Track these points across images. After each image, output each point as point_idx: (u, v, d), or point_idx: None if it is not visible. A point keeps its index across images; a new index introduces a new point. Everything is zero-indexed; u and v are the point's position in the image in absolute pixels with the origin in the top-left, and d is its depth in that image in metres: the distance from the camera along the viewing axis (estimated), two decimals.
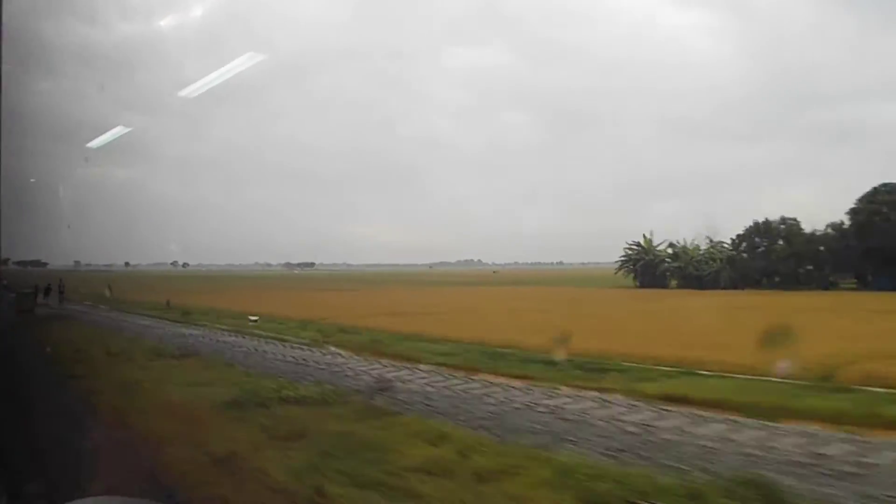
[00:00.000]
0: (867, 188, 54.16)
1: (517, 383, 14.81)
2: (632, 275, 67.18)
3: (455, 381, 14.83)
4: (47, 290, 38.55)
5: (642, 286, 64.16)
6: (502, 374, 16.14)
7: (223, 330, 26.55)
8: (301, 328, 27.39)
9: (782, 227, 60.10)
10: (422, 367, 17.06)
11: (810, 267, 58.04)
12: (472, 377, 15.48)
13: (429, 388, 14.12)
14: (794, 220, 59.92)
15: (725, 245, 63.25)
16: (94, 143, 26.09)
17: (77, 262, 67.37)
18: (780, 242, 59.17)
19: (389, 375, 15.41)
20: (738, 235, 62.00)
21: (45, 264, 71.24)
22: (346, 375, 15.33)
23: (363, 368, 16.63)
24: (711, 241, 64.41)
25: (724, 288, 57.98)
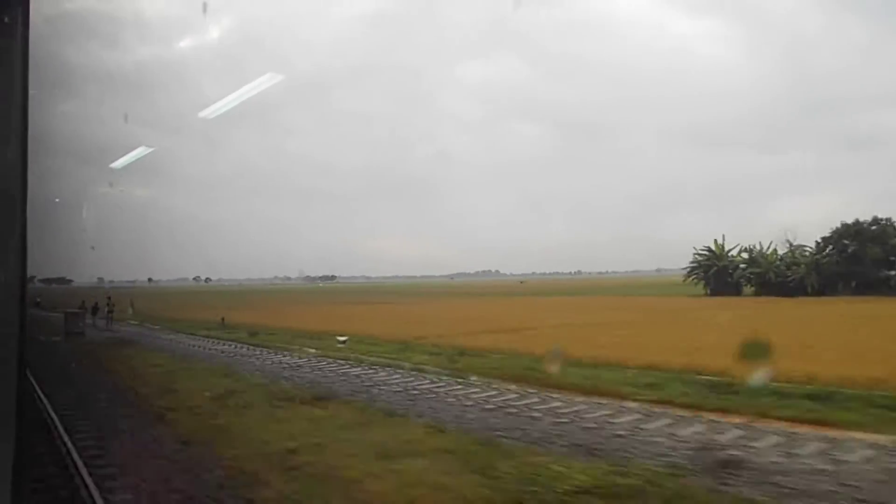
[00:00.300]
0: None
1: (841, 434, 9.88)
2: (702, 282, 62.19)
3: (821, 443, 9.64)
4: (94, 309, 34.21)
5: (714, 294, 58.99)
6: (783, 419, 11.28)
7: (321, 356, 21.85)
8: (405, 350, 22.78)
9: (874, 227, 54.89)
10: (654, 408, 12.28)
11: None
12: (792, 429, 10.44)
13: (814, 463, 8.67)
14: (889, 220, 54.87)
15: (808, 249, 58.17)
16: (117, 163, 25.60)
17: (100, 279, 66.69)
18: (869, 245, 54.13)
19: (684, 432, 10.41)
20: (824, 238, 56.97)
21: (69, 281, 69.68)
22: (616, 435, 10.35)
23: (619, 419, 11.66)
24: (791, 244, 59.34)
25: (811, 294, 52.85)
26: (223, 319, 37.58)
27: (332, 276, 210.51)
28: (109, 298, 35.36)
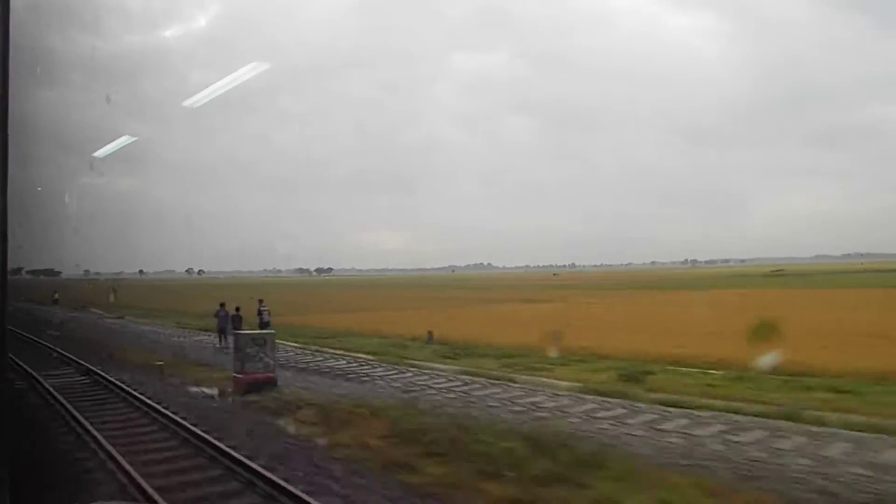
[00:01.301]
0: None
1: None
2: None
3: None
4: (235, 319, 18.21)
5: None
6: None
7: None
8: None
9: None
10: None
11: None
12: None
13: None
14: None
15: None
16: (100, 152, 22.58)
17: (86, 271, 61.45)
18: None
19: None
20: None
21: (58, 273, 61.64)
22: None
23: None
24: None
25: None
26: (431, 333, 21.98)
27: (329, 268, 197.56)
28: (262, 302, 19.06)
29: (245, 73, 16.94)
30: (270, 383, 13.21)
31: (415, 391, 13.34)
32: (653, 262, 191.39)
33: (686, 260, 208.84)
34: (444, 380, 14.65)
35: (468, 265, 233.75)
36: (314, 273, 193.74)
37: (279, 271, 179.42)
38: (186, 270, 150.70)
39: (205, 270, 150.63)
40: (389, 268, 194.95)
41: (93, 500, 7.53)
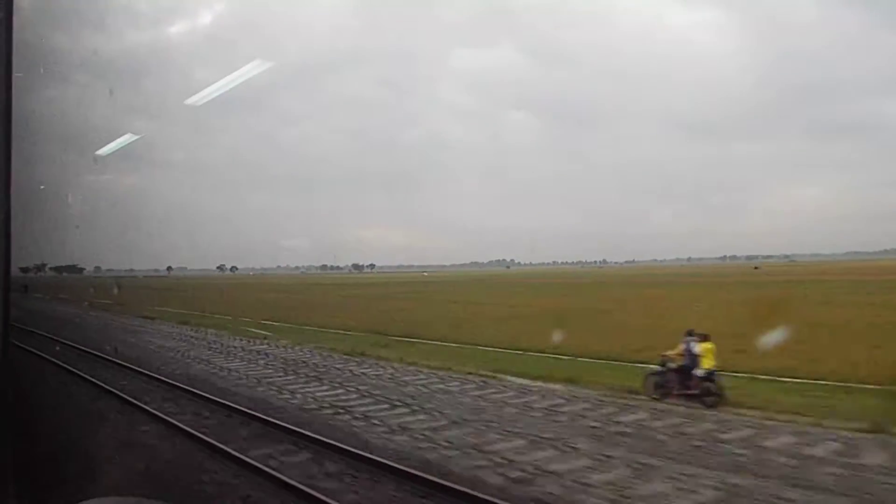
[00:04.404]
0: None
1: None
2: None
3: None
4: None
5: None
6: None
7: None
8: None
9: None
10: None
11: None
12: None
13: None
14: None
15: None
16: (105, 149, 22.61)
17: (97, 268, 63.73)
18: None
19: None
20: None
21: (81, 270, 64.23)
22: None
23: None
24: None
25: None
26: None
27: (372, 264, 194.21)
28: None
29: (247, 70, 17.46)
30: None
31: None
32: (689, 259, 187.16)
33: (724, 256, 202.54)
34: None
35: (490, 261, 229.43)
36: (353, 269, 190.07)
37: (297, 268, 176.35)
38: (218, 267, 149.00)
39: (238, 267, 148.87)
40: (404, 265, 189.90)
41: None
